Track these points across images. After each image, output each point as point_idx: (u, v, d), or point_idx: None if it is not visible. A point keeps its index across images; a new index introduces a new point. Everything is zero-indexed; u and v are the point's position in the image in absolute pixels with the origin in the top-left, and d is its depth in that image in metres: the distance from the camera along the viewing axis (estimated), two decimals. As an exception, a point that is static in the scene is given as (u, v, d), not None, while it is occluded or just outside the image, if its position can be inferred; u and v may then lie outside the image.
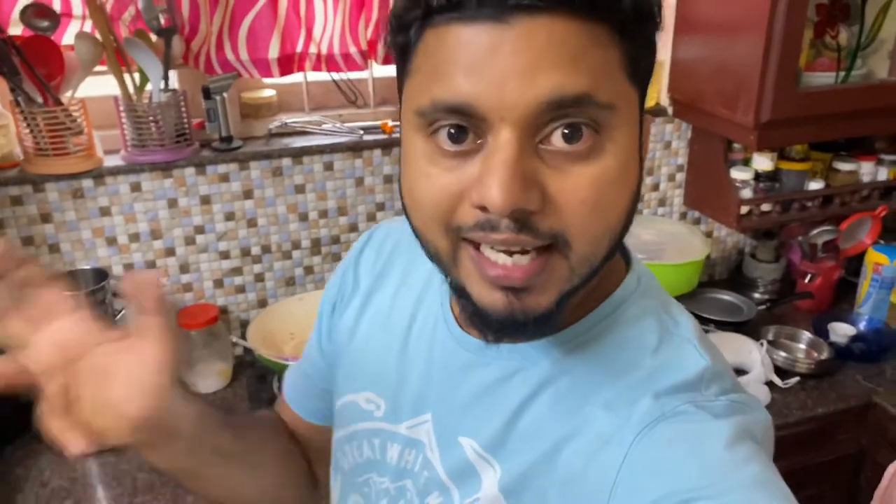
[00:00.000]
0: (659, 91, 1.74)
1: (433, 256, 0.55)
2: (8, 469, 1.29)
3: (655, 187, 1.84)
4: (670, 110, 1.75)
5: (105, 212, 1.43)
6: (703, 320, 1.66)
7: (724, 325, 1.66)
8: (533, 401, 0.59)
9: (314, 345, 0.82)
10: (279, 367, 1.37)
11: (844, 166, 1.75)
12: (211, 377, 1.52)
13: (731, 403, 0.55)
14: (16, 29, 1.32)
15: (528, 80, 0.46)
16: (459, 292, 0.54)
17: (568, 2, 0.45)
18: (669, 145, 1.81)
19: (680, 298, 1.66)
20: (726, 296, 1.79)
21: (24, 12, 1.29)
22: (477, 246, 0.51)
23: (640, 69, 0.51)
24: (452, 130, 0.49)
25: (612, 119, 0.49)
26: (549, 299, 0.51)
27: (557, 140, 0.48)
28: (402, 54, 0.53)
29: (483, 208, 0.48)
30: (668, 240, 1.74)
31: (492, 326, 0.53)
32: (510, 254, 0.49)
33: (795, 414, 1.45)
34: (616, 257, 0.64)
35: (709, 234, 1.94)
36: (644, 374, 0.57)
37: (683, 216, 1.90)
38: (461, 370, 0.64)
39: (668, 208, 1.88)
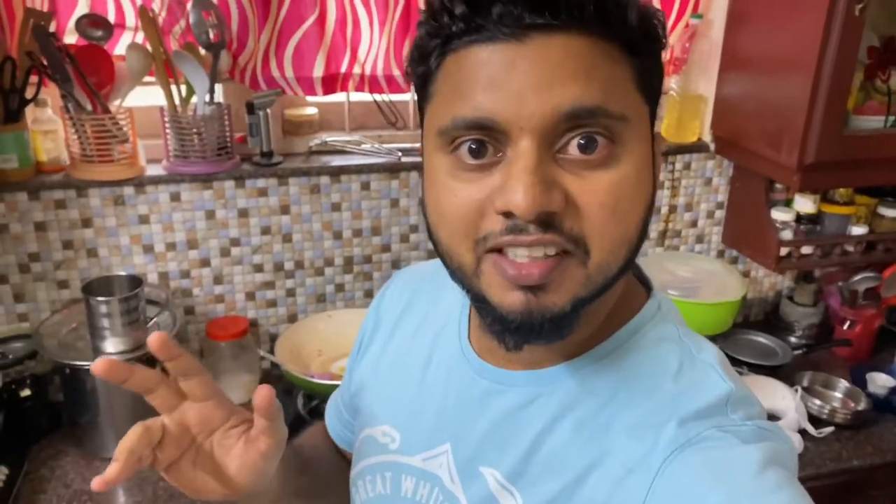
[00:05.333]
0: (701, 127, 1.72)
1: (456, 271, 0.55)
2: (33, 469, 1.30)
3: (694, 223, 1.82)
4: (712, 147, 1.73)
5: (144, 219, 1.45)
6: (735, 362, 1.62)
7: (757, 369, 1.61)
8: (553, 428, 0.59)
9: (347, 373, 0.84)
10: (304, 383, 1.37)
11: (890, 212, 1.70)
12: (238, 389, 1.52)
13: (758, 429, 0.54)
14: (71, 38, 1.35)
15: (545, 92, 0.48)
16: (480, 302, 0.55)
17: (581, 19, 0.48)
18: (710, 182, 1.78)
19: (713, 339, 1.64)
20: (761, 338, 1.75)
21: (80, 22, 1.32)
22: (501, 252, 0.52)
23: (649, 85, 0.54)
24: (473, 146, 0.51)
25: (625, 130, 0.51)
26: (564, 299, 0.52)
27: (574, 150, 0.50)
28: (422, 82, 0.55)
29: (508, 214, 0.49)
30: (705, 278, 1.71)
31: (510, 329, 0.53)
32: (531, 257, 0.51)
33: (828, 465, 1.40)
34: (636, 284, 0.64)
35: (746, 274, 1.90)
36: (666, 398, 0.56)
37: (721, 254, 1.87)
38: (479, 399, 0.64)
39: (706, 245, 1.85)
